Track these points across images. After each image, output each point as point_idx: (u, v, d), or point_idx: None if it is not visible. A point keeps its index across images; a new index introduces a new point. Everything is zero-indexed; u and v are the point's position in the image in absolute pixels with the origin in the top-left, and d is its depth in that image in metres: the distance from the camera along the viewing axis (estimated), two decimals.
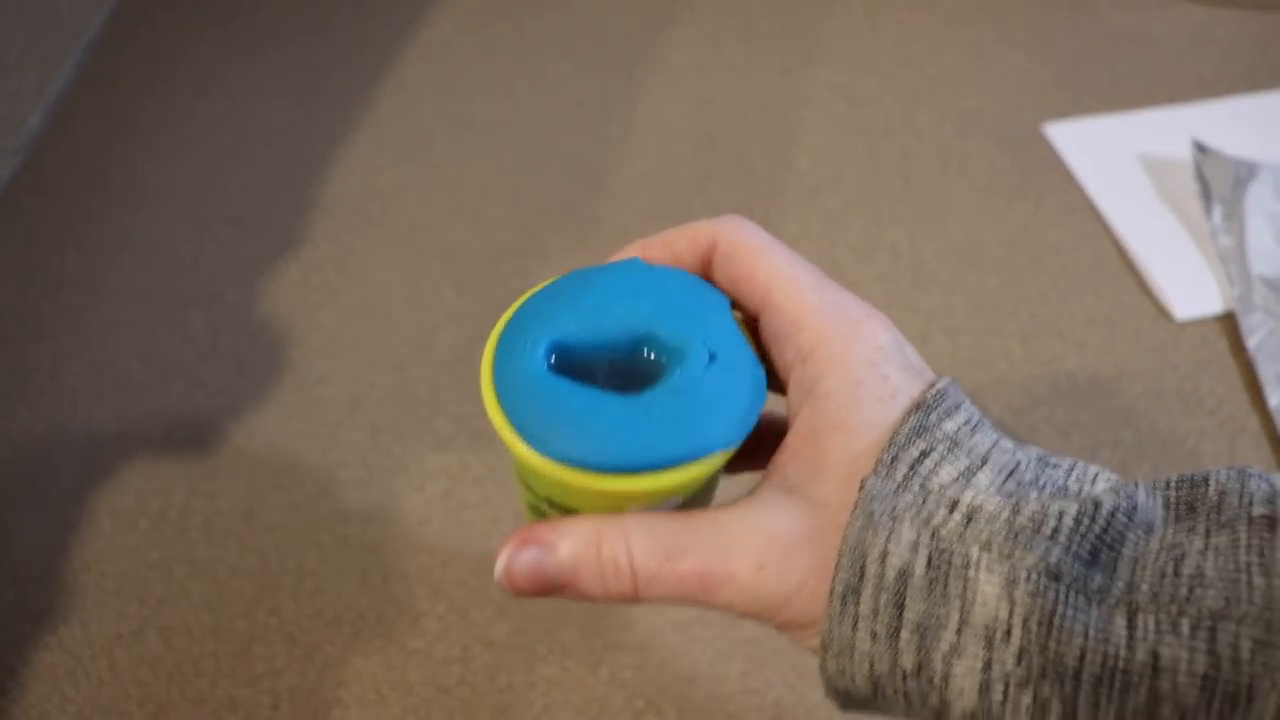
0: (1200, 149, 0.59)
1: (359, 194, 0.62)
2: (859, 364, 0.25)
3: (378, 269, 0.58)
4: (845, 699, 0.26)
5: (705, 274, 0.29)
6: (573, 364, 0.26)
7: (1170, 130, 0.62)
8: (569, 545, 0.25)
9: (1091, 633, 0.22)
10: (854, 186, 0.61)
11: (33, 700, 0.43)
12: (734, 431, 0.25)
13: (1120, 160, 0.61)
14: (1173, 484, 0.24)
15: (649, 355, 0.26)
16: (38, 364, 0.54)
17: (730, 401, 0.25)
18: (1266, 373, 0.50)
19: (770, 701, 0.42)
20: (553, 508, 0.27)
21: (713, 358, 0.25)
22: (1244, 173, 0.57)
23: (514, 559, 0.25)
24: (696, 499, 0.27)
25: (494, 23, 0.73)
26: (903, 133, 0.64)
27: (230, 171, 0.64)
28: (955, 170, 0.62)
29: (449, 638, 0.44)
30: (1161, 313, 0.54)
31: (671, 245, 0.29)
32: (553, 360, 0.26)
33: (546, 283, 0.27)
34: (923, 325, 0.54)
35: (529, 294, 0.27)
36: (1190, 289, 0.54)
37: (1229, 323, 0.53)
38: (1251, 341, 0.51)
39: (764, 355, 0.27)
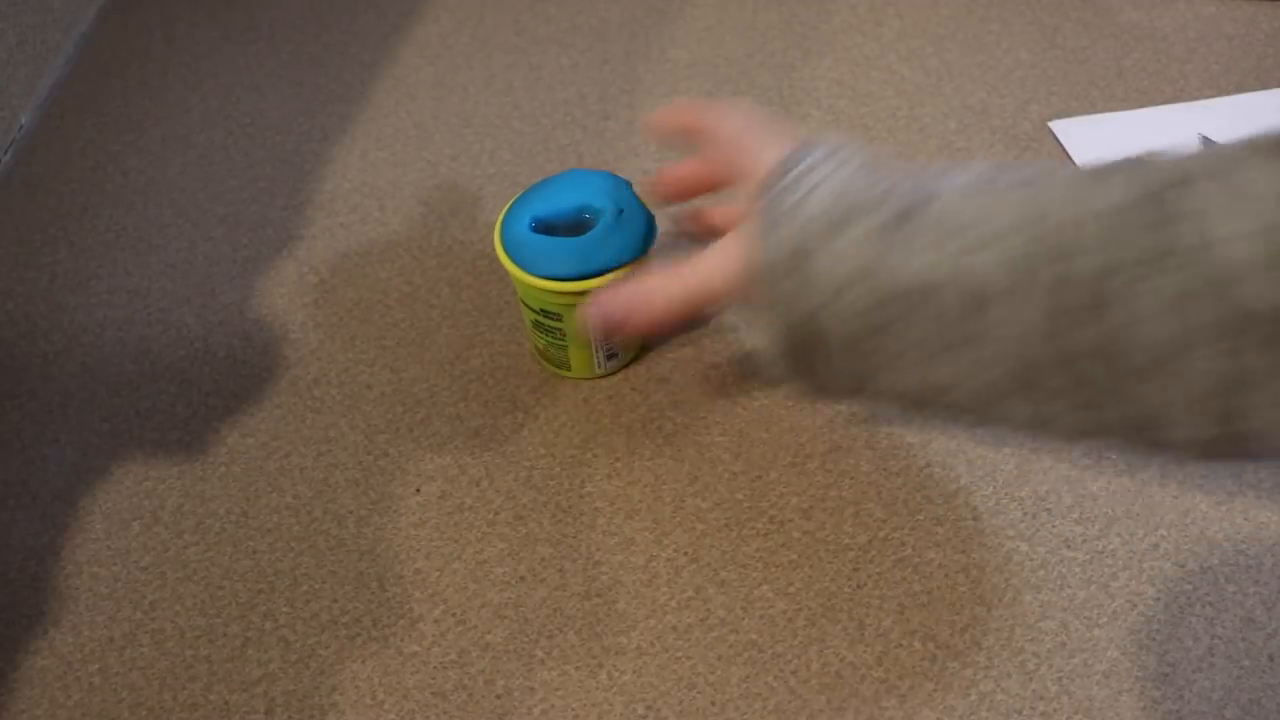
0: (1209, 146, 0.58)
1: (355, 191, 0.61)
2: (767, 160, 0.40)
3: (374, 268, 0.57)
4: (784, 353, 0.39)
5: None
6: (544, 226, 0.46)
7: (1178, 127, 0.61)
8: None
9: (880, 256, 0.35)
10: None
11: (23, 705, 0.42)
12: (636, 251, 0.46)
13: None
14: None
15: (586, 216, 0.46)
16: (29, 363, 0.54)
17: (632, 236, 0.46)
18: None
19: (772, 707, 0.41)
20: (545, 316, 0.48)
21: (620, 214, 0.46)
22: None
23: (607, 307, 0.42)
24: None
25: (491, 18, 0.72)
26: (906, 129, 0.63)
27: (224, 168, 0.63)
28: None
29: (446, 642, 0.44)
30: None
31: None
32: (533, 226, 0.46)
33: (524, 190, 0.49)
34: None
35: (517, 196, 0.48)
36: None
37: None
38: None
39: (654, 210, 0.48)
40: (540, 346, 0.50)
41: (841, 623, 0.43)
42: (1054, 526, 0.46)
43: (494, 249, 0.48)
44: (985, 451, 0.49)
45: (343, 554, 0.46)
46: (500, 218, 0.48)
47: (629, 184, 0.48)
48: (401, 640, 0.44)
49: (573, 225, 0.47)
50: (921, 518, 0.46)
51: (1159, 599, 0.44)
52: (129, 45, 0.72)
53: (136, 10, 0.74)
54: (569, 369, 0.51)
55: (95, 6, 0.74)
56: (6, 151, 0.65)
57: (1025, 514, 0.46)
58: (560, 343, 0.49)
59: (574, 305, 0.46)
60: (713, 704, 0.42)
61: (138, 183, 0.63)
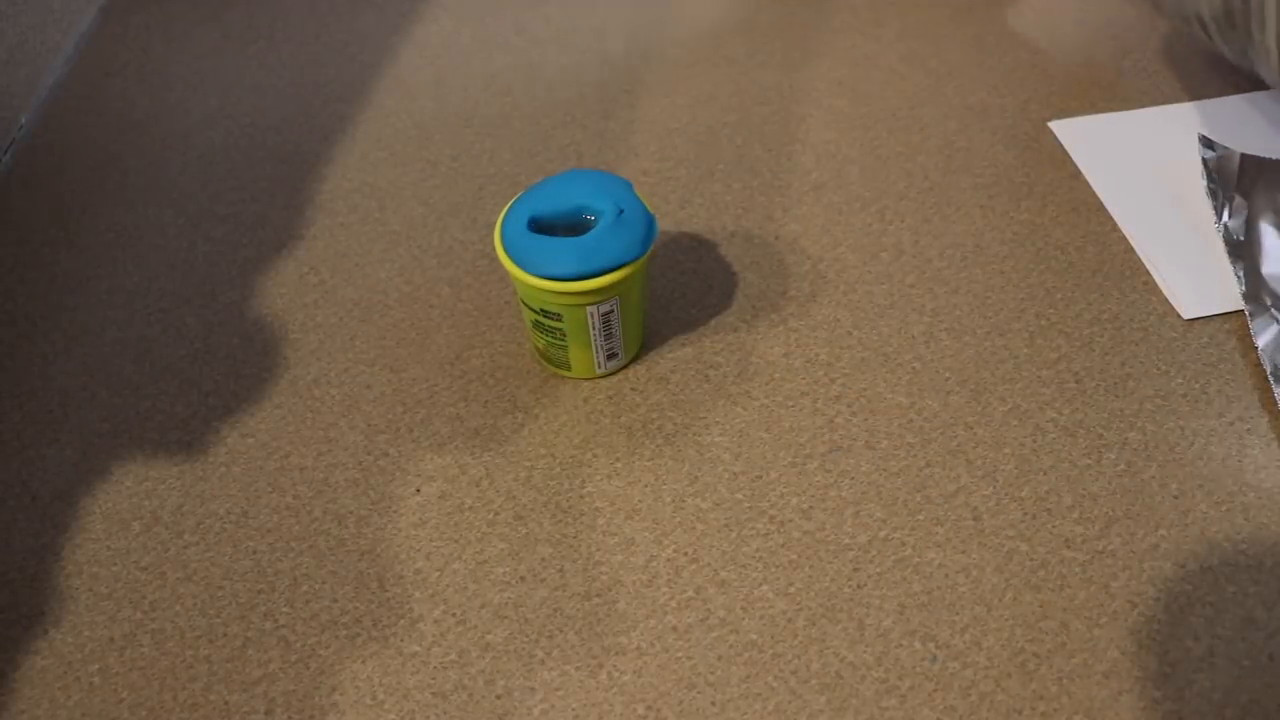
0: (1209, 146, 0.58)
1: (355, 191, 0.61)
2: None
3: (374, 267, 0.57)
4: None
5: None
6: (544, 226, 0.47)
7: (1179, 127, 0.61)
8: None
9: None
10: (857, 184, 0.61)
11: (23, 705, 0.42)
12: (636, 251, 0.46)
13: (1128, 158, 0.61)
14: None
15: (586, 216, 0.47)
16: (29, 364, 0.54)
17: (632, 236, 0.46)
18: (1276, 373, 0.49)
19: (772, 707, 0.41)
20: (545, 316, 0.47)
21: (620, 214, 0.46)
22: (1254, 170, 0.57)
23: None
24: (629, 295, 0.48)
25: (491, 18, 0.72)
26: (906, 129, 0.63)
27: (224, 169, 0.63)
28: (959, 167, 0.61)
29: (446, 642, 0.43)
30: (1169, 312, 0.53)
31: None
32: (532, 226, 0.47)
33: (524, 190, 0.49)
34: (927, 325, 0.53)
35: (517, 196, 0.48)
36: (1198, 288, 0.54)
37: (1238, 322, 0.52)
38: (1261, 341, 0.50)
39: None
40: (540, 346, 0.50)
41: (841, 623, 0.43)
42: (1054, 526, 0.46)
43: (494, 249, 0.49)
44: (985, 451, 0.49)
45: (343, 554, 0.46)
46: (500, 218, 0.48)
47: (629, 184, 0.48)
48: (401, 640, 0.44)
49: (573, 225, 0.47)
50: (921, 518, 0.46)
51: (1159, 599, 0.44)
52: (129, 45, 0.72)
53: (136, 10, 0.74)
54: (569, 369, 0.51)
55: (95, 6, 0.74)
56: (6, 151, 0.65)
57: (1025, 514, 0.46)
58: (560, 343, 0.49)
59: (574, 305, 0.46)
60: (713, 704, 0.42)
61: (138, 183, 0.63)
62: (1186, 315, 0.53)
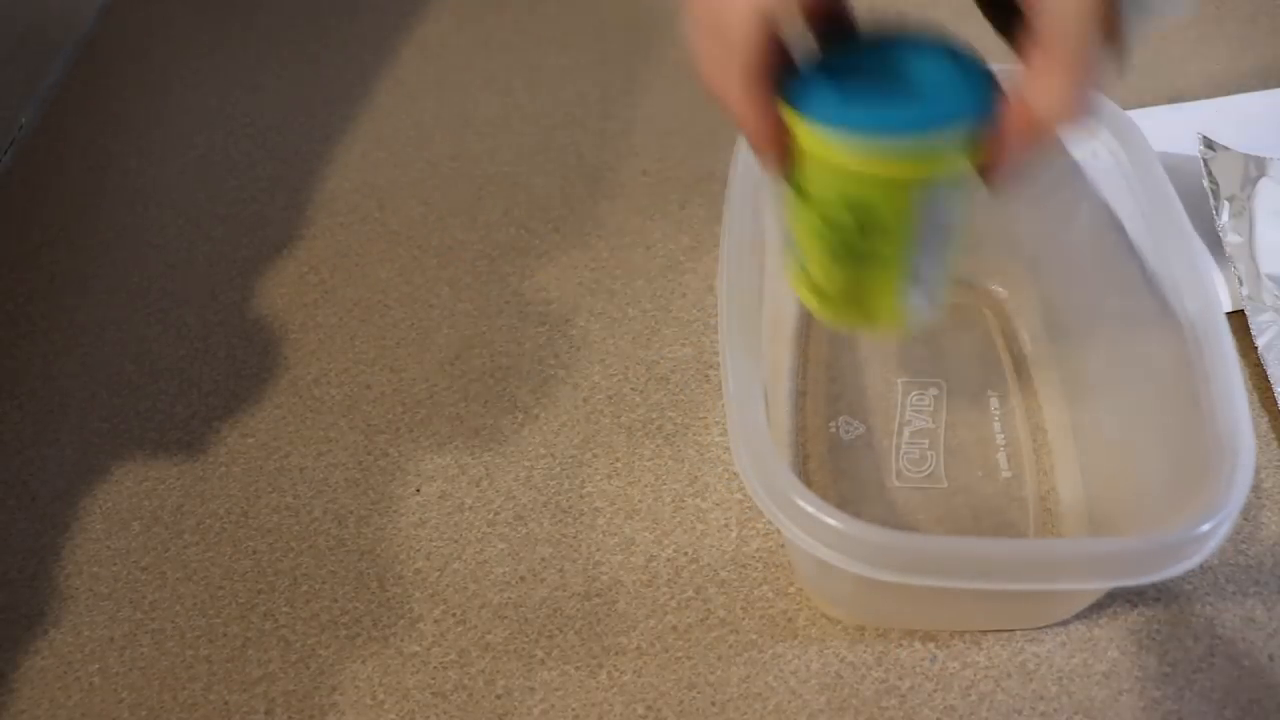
0: (1209, 146, 0.58)
1: (355, 191, 0.61)
2: None
3: (374, 267, 0.57)
4: None
5: None
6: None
7: (1178, 127, 0.61)
8: None
9: None
10: None
11: (23, 705, 0.42)
12: (987, 106, 0.29)
13: None
14: None
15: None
16: (29, 363, 0.54)
17: (978, 85, 0.30)
18: (1276, 373, 0.49)
19: (772, 707, 0.41)
20: (854, 214, 0.30)
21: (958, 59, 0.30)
22: (1253, 170, 0.57)
23: None
24: (966, 190, 0.31)
25: (491, 18, 0.72)
26: None
27: (224, 169, 0.63)
28: None
29: (446, 642, 0.44)
30: None
31: None
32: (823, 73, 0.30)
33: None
34: None
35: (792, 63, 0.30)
36: None
37: (1238, 322, 0.52)
38: (1261, 341, 0.50)
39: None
40: (824, 280, 0.33)
41: (840, 622, 0.43)
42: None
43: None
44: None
45: (343, 554, 0.46)
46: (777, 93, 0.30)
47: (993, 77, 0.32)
48: (401, 640, 0.44)
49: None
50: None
51: (1159, 599, 0.44)
52: (129, 45, 0.72)
53: (136, 10, 0.74)
54: (872, 316, 0.34)
55: (95, 6, 0.74)
56: (6, 151, 0.65)
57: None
58: (863, 272, 0.32)
59: (904, 188, 0.30)
60: (713, 704, 0.42)
61: (137, 183, 0.63)
62: None
